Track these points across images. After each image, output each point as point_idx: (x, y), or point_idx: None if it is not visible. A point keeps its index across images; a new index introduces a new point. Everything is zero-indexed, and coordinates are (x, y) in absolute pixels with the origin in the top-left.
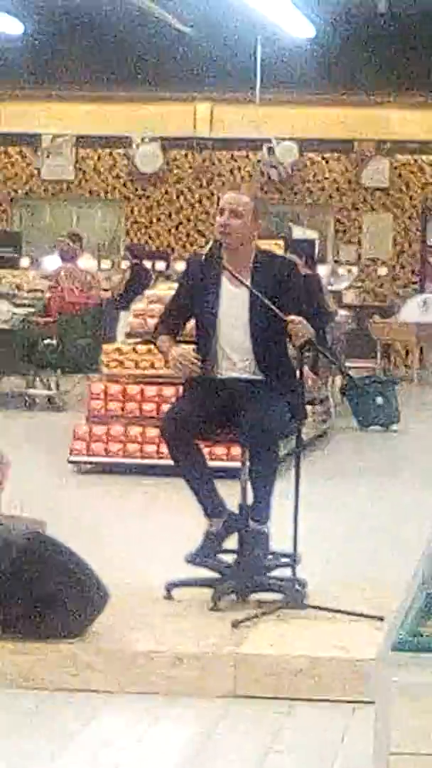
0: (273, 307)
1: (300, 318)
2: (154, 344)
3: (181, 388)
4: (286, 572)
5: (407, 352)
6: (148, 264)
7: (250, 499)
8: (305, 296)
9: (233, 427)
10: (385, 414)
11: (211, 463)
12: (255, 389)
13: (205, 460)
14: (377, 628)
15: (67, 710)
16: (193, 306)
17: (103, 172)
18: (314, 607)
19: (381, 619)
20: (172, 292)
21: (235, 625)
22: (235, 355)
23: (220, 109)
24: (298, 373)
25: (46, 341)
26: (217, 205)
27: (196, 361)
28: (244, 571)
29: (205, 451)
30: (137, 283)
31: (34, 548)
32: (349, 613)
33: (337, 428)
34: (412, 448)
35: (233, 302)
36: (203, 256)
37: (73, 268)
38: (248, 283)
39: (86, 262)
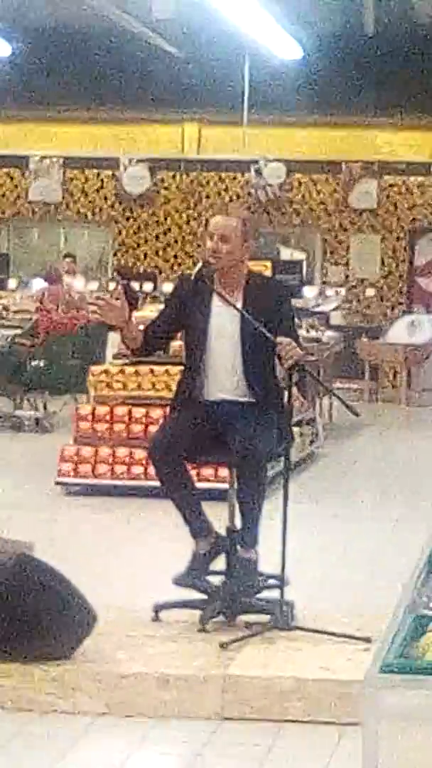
0: (263, 329)
1: (289, 340)
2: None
3: (168, 410)
4: (274, 594)
5: (395, 373)
6: (136, 285)
7: (237, 520)
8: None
9: (221, 449)
10: None
11: (199, 485)
12: (243, 411)
13: (192, 482)
14: (365, 649)
15: (54, 732)
16: (183, 326)
17: (90, 193)
18: (302, 629)
19: (368, 640)
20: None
21: (223, 646)
22: (225, 377)
23: (208, 130)
24: (286, 394)
25: (34, 363)
26: (205, 228)
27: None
28: (232, 593)
29: (193, 472)
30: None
31: (21, 570)
32: (336, 635)
33: (325, 450)
34: (401, 471)
35: (224, 324)
36: (193, 277)
37: (57, 290)
38: (240, 305)
39: (75, 282)
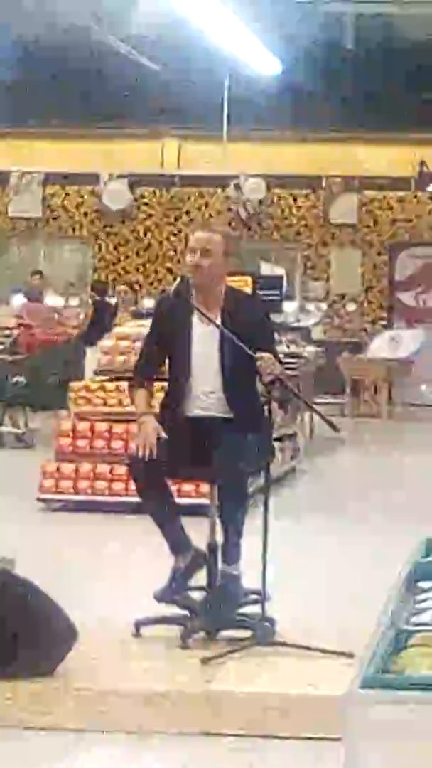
0: (242, 344)
1: (269, 355)
2: (131, 390)
3: None
4: (256, 610)
5: (376, 388)
6: (113, 300)
7: (219, 536)
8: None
9: (202, 466)
10: None
11: (180, 500)
12: (225, 428)
13: (172, 498)
14: (347, 665)
15: (36, 749)
16: (165, 345)
17: (71, 209)
18: (284, 645)
19: (351, 656)
20: (141, 330)
21: (205, 662)
22: (206, 393)
23: (187, 146)
24: (266, 410)
25: (15, 378)
26: (186, 243)
27: (155, 442)
28: (214, 609)
29: (174, 488)
30: (100, 319)
31: (2, 586)
32: (318, 650)
33: (306, 465)
34: (383, 485)
35: (204, 340)
36: (172, 295)
37: (36, 306)
38: (218, 321)
39: (52, 299)
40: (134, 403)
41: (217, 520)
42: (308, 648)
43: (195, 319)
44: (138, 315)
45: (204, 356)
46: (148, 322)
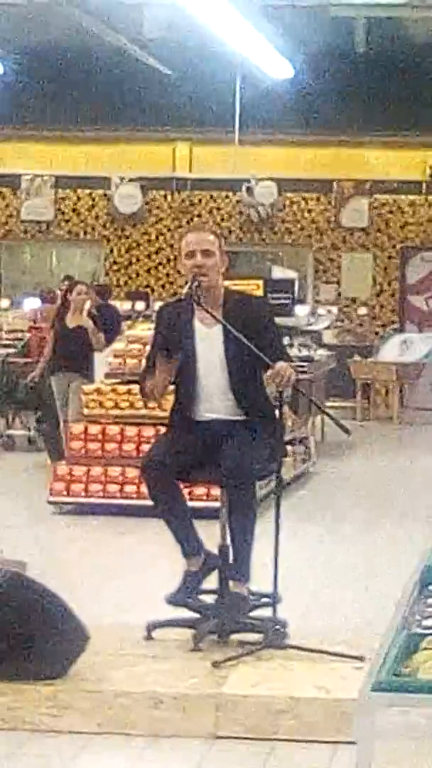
0: (258, 353)
1: (284, 364)
2: (144, 393)
3: (161, 429)
4: (267, 612)
5: (387, 392)
6: (126, 304)
7: (228, 539)
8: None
9: (213, 468)
10: None
11: (191, 504)
12: (235, 430)
13: (184, 501)
14: (358, 668)
15: (47, 751)
16: (171, 351)
17: (82, 212)
18: (294, 647)
19: (361, 659)
20: (152, 333)
21: (216, 665)
22: (214, 397)
23: (199, 149)
24: (277, 412)
25: (26, 381)
26: (180, 248)
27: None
28: (225, 612)
29: (186, 491)
30: (104, 323)
31: (14, 589)
32: (329, 653)
33: (317, 468)
34: (393, 489)
35: (207, 343)
36: (175, 301)
37: (50, 309)
38: (219, 325)
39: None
40: (147, 389)
41: (227, 526)
42: (318, 651)
43: (197, 322)
44: (150, 318)
45: (209, 360)
46: None
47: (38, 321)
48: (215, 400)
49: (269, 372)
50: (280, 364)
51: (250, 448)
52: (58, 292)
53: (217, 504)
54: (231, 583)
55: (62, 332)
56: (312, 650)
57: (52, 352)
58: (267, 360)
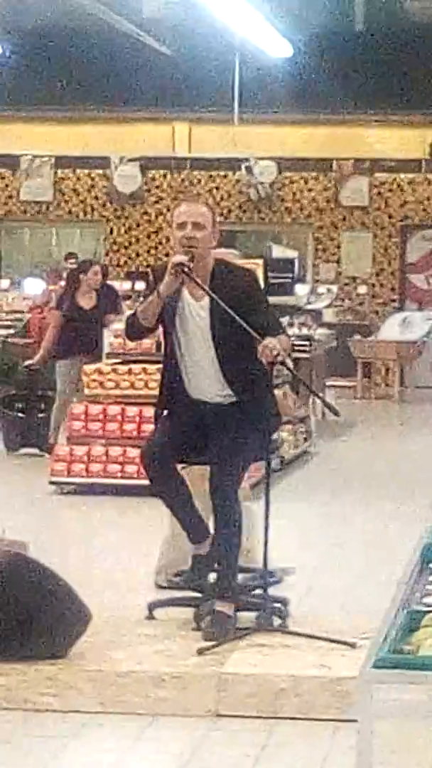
0: (246, 326)
1: (273, 340)
2: (134, 322)
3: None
4: (271, 590)
5: (387, 370)
6: (126, 284)
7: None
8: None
9: (204, 448)
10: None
11: None
12: (225, 413)
13: (186, 488)
14: (359, 645)
15: (49, 731)
16: (160, 319)
17: (82, 193)
18: (286, 632)
19: (353, 646)
20: None
21: (200, 651)
22: (203, 375)
23: (198, 129)
24: (269, 389)
25: (26, 362)
26: (171, 218)
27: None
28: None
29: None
30: (104, 302)
31: (16, 570)
32: (322, 639)
33: (317, 447)
34: (394, 468)
35: (194, 318)
36: (176, 266)
37: (55, 290)
38: (206, 297)
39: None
40: (142, 308)
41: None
42: (309, 636)
43: (186, 295)
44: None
45: (196, 336)
46: None
47: (38, 301)
48: (203, 379)
49: (258, 347)
50: (268, 340)
51: (237, 437)
52: (64, 273)
53: None
54: (217, 602)
55: (74, 313)
56: (305, 635)
57: (59, 335)
58: (255, 334)
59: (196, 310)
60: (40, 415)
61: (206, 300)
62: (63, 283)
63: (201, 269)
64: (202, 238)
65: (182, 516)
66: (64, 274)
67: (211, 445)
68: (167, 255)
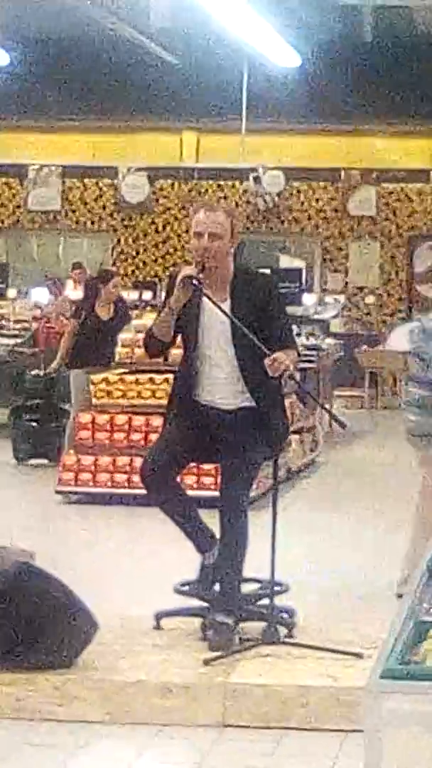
0: (255, 340)
1: (282, 355)
2: (151, 338)
3: (163, 421)
4: (277, 600)
5: (395, 380)
6: (133, 294)
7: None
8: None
9: (214, 453)
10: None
11: (200, 493)
12: (235, 416)
13: (188, 499)
14: (366, 656)
15: (55, 740)
16: (178, 327)
17: (89, 202)
18: (290, 644)
19: (360, 656)
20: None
21: (206, 662)
22: (221, 380)
23: (206, 138)
24: (282, 400)
25: (33, 372)
26: (190, 222)
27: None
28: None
29: (193, 479)
30: (121, 314)
31: (22, 579)
32: (328, 650)
33: (325, 457)
34: (401, 478)
35: (215, 325)
36: (193, 277)
37: (62, 299)
38: (228, 302)
39: (74, 293)
40: (157, 323)
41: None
42: (314, 648)
43: (205, 302)
44: (156, 308)
45: (216, 342)
46: None
47: (46, 311)
48: (221, 385)
49: (266, 360)
50: (277, 354)
51: (247, 437)
52: (68, 281)
53: (212, 492)
54: (217, 614)
55: (92, 323)
56: (310, 647)
57: (74, 344)
58: (265, 350)
59: (217, 316)
60: (53, 425)
61: (227, 303)
62: (67, 293)
63: (220, 276)
64: (219, 247)
65: (187, 529)
66: (68, 284)
67: (221, 452)
68: (174, 265)
